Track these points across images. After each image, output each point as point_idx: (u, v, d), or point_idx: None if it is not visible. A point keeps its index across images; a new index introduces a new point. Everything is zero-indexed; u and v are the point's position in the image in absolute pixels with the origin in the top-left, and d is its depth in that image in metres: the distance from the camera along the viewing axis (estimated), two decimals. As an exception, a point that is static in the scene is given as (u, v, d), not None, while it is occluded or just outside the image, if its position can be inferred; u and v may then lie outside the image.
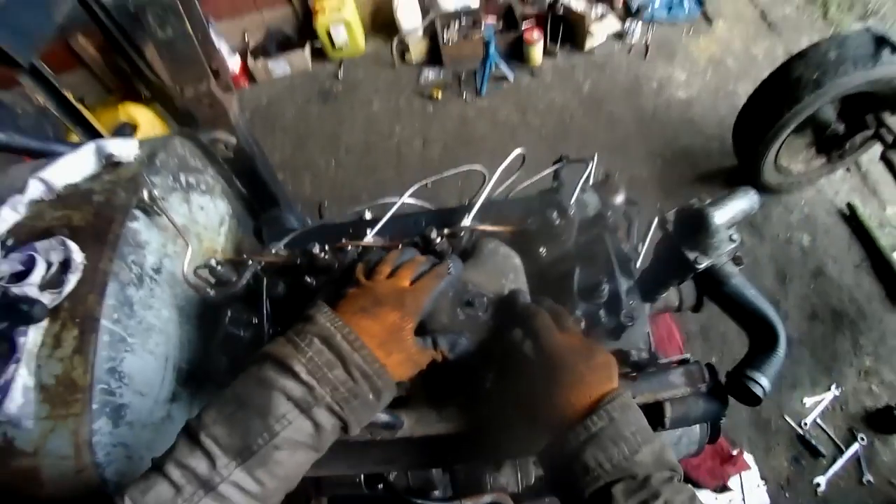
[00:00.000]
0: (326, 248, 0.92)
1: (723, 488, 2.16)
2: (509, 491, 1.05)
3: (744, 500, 2.14)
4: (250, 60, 3.55)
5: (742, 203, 0.97)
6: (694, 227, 0.94)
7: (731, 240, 0.96)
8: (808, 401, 2.35)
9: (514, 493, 1.06)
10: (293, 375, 0.61)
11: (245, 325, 0.92)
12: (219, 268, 0.94)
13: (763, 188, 2.83)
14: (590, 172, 1.08)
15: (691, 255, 0.94)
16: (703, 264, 0.94)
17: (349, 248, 0.94)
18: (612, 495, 0.60)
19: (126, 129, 2.55)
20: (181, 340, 0.99)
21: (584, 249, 0.98)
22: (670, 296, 1.23)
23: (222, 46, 3.44)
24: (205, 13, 3.21)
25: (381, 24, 3.77)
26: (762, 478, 2.19)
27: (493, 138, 3.31)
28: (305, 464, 0.65)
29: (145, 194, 0.93)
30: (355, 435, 0.79)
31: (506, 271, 0.85)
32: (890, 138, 2.42)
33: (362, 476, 0.94)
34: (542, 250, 0.94)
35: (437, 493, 1.02)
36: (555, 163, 1.22)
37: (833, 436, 2.27)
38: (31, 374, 0.76)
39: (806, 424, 2.29)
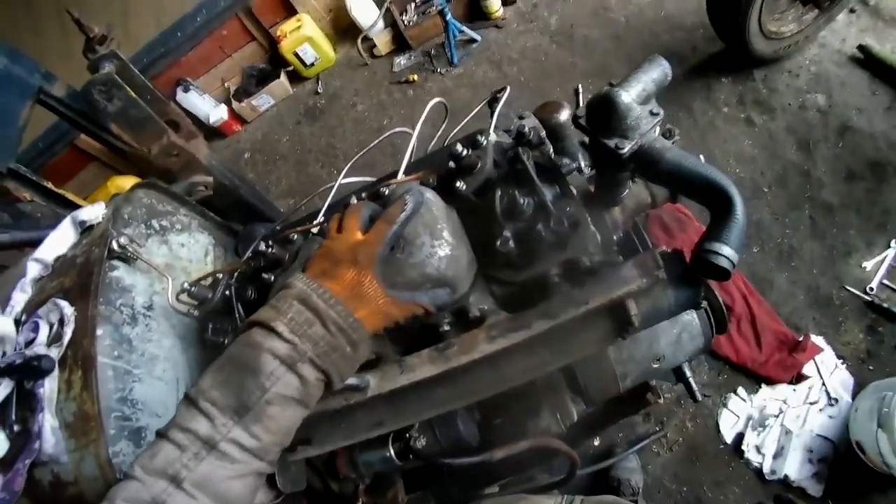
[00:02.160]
0: (271, 243, 1.00)
1: (798, 378, 2.08)
2: (553, 433, 1.07)
3: (824, 384, 2.05)
4: (235, 104, 3.71)
5: (650, 73, 0.89)
6: (605, 114, 0.87)
7: (652, 114, 0.88)
8: (868, 264, 2.21)
9: (558, 433, 1.08)
10: (277, 335, 0.66)
11: (225, 333, 1.03)
12: (193, 289, 1.05)
13: (759, 61, 2.70)
14: (503, 99, 1.09)
15: (611, 143, 0.87)
16: (626, 148, 0.86)
17: (294, 237, 1.02)
18: None
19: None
20: (189, 363, 1.12)
21: (505, 173, 0.97)
22: (640, 194, 1.19)
23: (207, 100, 3.64)
24: (183, 77, 3.45)
25: (343, 28, 3.84)
26: (839, 357, 2.09)
27: (476, 100, 3.21)
28: (296, 419, 0.70)
29: (115, 245, 1.06)
30: (334, 403, 0.86)
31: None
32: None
33: (392, 450, 0.99)
34: (461, 184, 0.93)
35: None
36: (489, 101, 1.22)
37: (907, 293, 2.12)
38: (54, 417, 0.90)
39: (872, 289, 2.16)
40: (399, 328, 0.83)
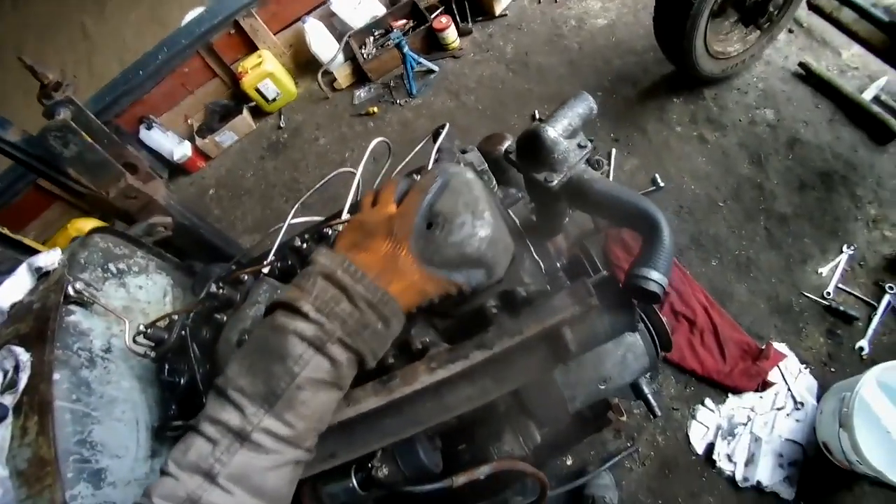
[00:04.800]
0: (222, 285, 1.01)
1: (764, 385, 2.13)
2: (516, 455, 1.07)
3: (790, 389, 2.11)
4: (199, 141, 3.70)
5: (575, 108, 0.95)
6: (533, 149, 0.91)
7: (580, 147, 0.93)
8: (824, 270, 2.31)
9: (522, 455, 1.08)
10: (303, 316, 0.62)
11: (181, 373, 1.03)
12: (149, 331, 1.06)
13: (709, 80, 2.82)
14: (443, 136, 1.11)
15: (541, 177, 0.91)
16: (556, 181, 0.90)
17: (245, 278, 1.03)
18: None
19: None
20: (148, 403, 1.12)
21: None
22: (582, 221, 1.24)
23: (171, 137, 3.64)
24: (146, 115, 3.45)
25: (304, 63, 3.88)
26: (802, 362, 2.16)
27: None
28: (330, 402, 0.66)
29: (70, 290, 1.06)
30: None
31: (457, 186, 0.80)
32: (805, -15, 2.37)
33: (355, 481, 0.97)
34: None
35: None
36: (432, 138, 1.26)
37: (861, 295, 2.23)
38: (4, 467, 0.88)
39: (829, 294, 2.25)
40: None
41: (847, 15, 2.30)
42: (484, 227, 0.76)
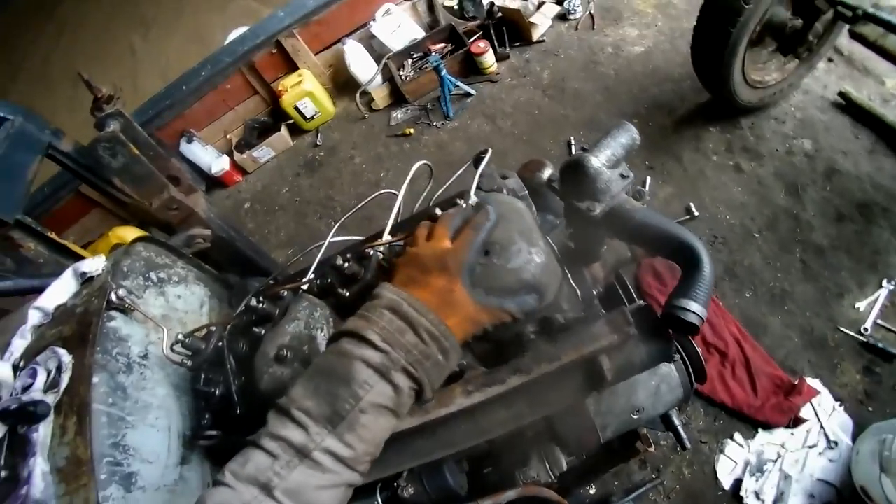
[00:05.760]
0: (262, 299, 1.03)
1: (796, 421, 2.06)
2: (542, 482, 1.07)
3: (822, 427, 2.04)
4: (237, 155, 3.79)
5: (619, 138, 0.96)
6: (577, 178, 0.92)
7: (622, 177, 0.95)
8: (861, 305, 2.24)
9: (548, 482, 1.08)
10: (370, 344, 0.67)
11: (216, 383, 1.05)
12: (187, 340, 1.08)
13: (746, 109, 2.79)
14: (485, 161, 1.11)
15: (583, 205, 0.92)
16: (598, 210, 0.92)
17: (284, 293, 1.05)
18: None
19: (118, 250, 2.79)
20: (182, 411, 1.14)
21: None
22: (620, 249, 1.22)
23: (210, 151, 3.75)
24: (187, 129, 3.57)
25: (342, 83, 3.97)
26: (836, 399, 2.08)
27: (471, 154, 3.25)
28: (388, 429, 0.70)
29: (113, 296, 1.10)
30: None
31: (509, 216, 0.84)
32: (849, 13, 2.30)
33: (380, 500, 0.98)
34: None
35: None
36: (474, 162, 1.27)
37: (901, 331, 2.13)
38: (46, 462, 0.91)
39: (867, 330, 2.18)
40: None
41: (894, 42, 2.24)
42: (539, 253, 0.80)
